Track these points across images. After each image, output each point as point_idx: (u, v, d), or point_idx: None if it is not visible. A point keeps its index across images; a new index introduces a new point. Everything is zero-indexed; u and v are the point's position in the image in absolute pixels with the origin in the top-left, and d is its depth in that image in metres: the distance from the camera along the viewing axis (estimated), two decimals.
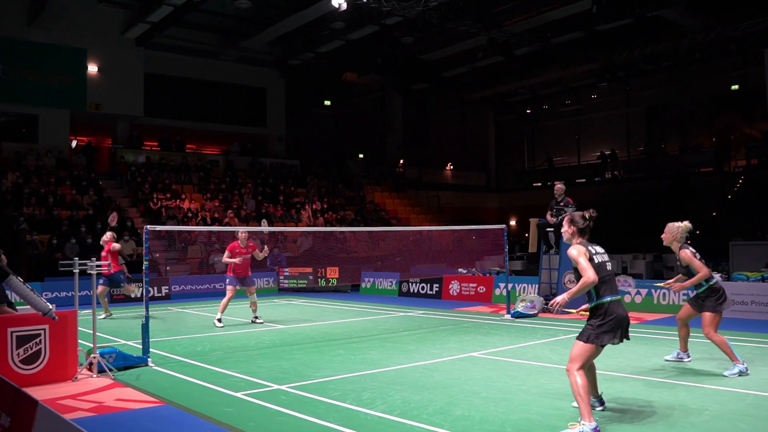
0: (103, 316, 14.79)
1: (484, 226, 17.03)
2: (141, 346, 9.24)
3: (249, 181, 28.78)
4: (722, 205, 28.39)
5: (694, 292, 8.27)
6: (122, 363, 8.70)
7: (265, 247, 13.77)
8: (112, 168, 27.30)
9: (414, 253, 18.42)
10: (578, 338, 5.84)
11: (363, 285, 21.53)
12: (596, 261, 5.81)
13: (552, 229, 14.92)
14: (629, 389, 7.19)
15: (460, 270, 19.64)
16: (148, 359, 9.05)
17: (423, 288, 19.53)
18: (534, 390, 7.20)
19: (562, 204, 14.78)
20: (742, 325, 12.17)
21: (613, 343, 5.79)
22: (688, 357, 8.79)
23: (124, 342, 11.21)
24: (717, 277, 8.35)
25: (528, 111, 40.11)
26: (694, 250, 8.13)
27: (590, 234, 6.05)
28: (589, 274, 5.63)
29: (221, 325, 13.14)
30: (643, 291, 14.57)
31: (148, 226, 9.46)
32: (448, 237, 19.34)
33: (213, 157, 30.53)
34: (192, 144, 31.23)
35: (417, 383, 7.67)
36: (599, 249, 5.97)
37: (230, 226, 22.63)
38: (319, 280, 20.79)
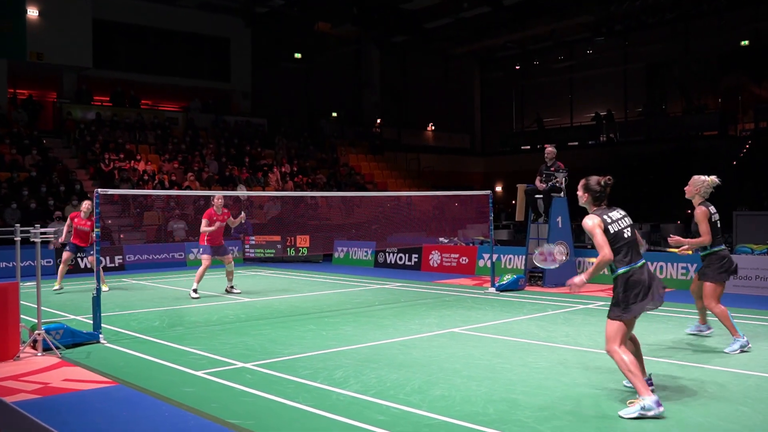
0: (57, 287, 14.67)
1: (468, 192, 17.11)
2: (92, 322, 9.18)
3: (211, 141, 28.54)
4: (727, 172, 28.68)
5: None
6: (70, 340, 8.65)
7: (242, 213, 13.95)
8: (58, 125, 26.89)
9: (391, 220, 18.46)
10: (608, 316, 5.93)
11: (336, 255, 21.56)
12: (611, 230, 5.88)
13: (541, 196, 14.98)
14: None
15: (441, 239, 19.73)
16: (100, 336, 9.01)
17: (401, 258, 19.60)
18: (519, 368, 7.28)
19: (552, 169, 14.83)
20: (745, 301, 12.37)
21: (647, 310, 5.91)
22: (709, 329, 9.08)
23: (72, 317, 11.14)
24: (723, 248, 8.50)
25: (517, 67, 40.03)
26: (713, 211, 8.30)
27: (607, 200, 6.13)
28: (605, 252, 5.73)
29: (197, 296, 13.27)
30: (656, 264, 14.71)
31: (99, 190, 9.34)
32: (429, 203, 19.39)
33: (171, 114, 30.20)
34: (148, 99, 30.84)
35: (394, 361, 7.72)
36: (617, 214, 6.03)
37: (191, 190, 22.48)
38: (289, 249, 20.79)
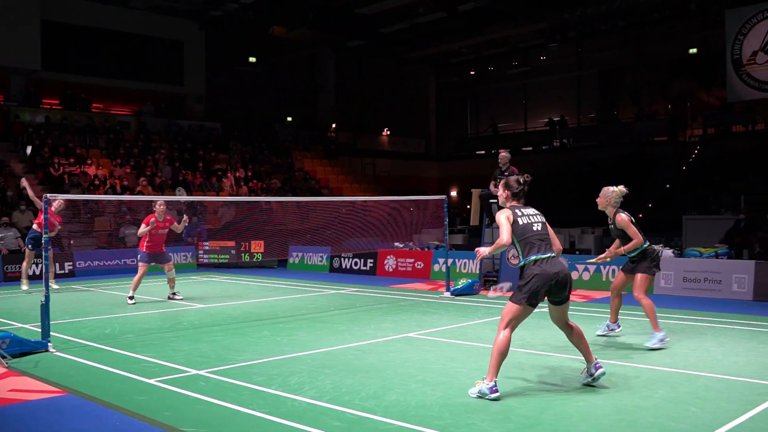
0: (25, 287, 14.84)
1: (423, 196, 17.18)
2: (40, 330, 9.01)
3: (164, 145, 28.22)
4: (677, 177, 29.29)
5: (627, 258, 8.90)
6: (18, 349, 8.47)
7: (184, 216, 13.88)
8: (5, 129, 26.26)
9: (347, 225, 18.43)
10: (509, 299, 6.48)
11: (291, 260, 21.49)
12: (520, 222, 6.39)
13: (496, 201, 15.08)
14: (573, 372, 7.39)
15: (396, 244, 19.78)
16: (49, 344, 8.84)
17: (356, 263, 19.61)
18: (474, 372, 7.33)
19: (507, 173, 14.92)
20: (694, 304, 12.66)
21: (552, 302, 6.49)
22: (619, 327, 9.42)
23: (20, 325, 10.92)
24: (663, 251, 8.88)
25: (472, 73, 40.36)
26: (629, 216, 8.71)
27: (525, 199, 6.64)
28: (503, 236, 6.31)
29: (133, 302, 13.16)
30: (591, 267, 14.98)
31: (48, 195, 9.21)
32: (384, 208, 19.40)
33: (123, 117, 29.76)
34: (99, 103, 30.33)
35: (349, 366, 7.73)
36: (529, 211, 6.53)
37: (143, 195, 22.19)
38: (243, 254, 20.64)
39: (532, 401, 6.28)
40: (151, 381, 7.18)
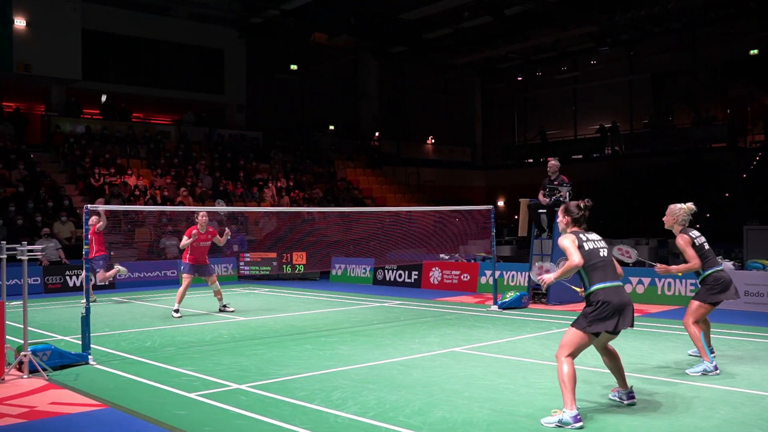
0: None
1: (469, 206, 17.07)
2: (80, 342, 9.14)
3: (205, 155, 28.56)
4: (736, 185, 28.73)
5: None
6: (58, 361, 8.62)
7: (227, 230, 13.99)
8: (46, 139, 26.92)
9: (390, 236, 18.39)
10: (571, 325, 6.28)
11: (333, 272, 21.54)
12: (586, 248, 6.28)
13: (545, 211, 14.99)
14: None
15: (441, 256, 19.69)
16: (89, 357, 8.97)
17: (400, 276, 19.58)
18: (522, 389, 7.26)
19: (556, 183, 14.84)
20: (757, 319, 12.37)
21: (607, 331, 6.18)
22: (712, 353, 8.84)
23: (60, 338, 11.12)
24: (724, 264, 8.50)
25: (519, 78, 40.14)
26: (695, 236, 8.30)
27: (586, 223, 6.53)
28: (574, 258, 6.13)
29: (178, 315, 13.30)
30: (646, 280, 14.75)
31: (89, 206, 9.34)
32: (429, 219, 19.33)
33: (163, 127, 30.23)
34: (139, 112, 30.88)
35: (393, 382, 7.70)
36: (594, 236, 6.45)
37: (184, 205, 22.46)
38: (284, 266, 20.72)
39: (584, 421, 6.18)
40: (192, 395, 7.24)
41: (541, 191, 15.00)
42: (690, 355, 9.00)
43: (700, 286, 8.36)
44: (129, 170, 25.35)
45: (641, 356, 8.98)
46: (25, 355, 8.23)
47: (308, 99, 36.14)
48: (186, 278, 13.50)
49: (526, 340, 10.33)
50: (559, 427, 5.92)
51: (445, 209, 18.53)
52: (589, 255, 6.24)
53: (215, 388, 7.52)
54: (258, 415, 6.42)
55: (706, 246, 8.34)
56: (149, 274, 20.26)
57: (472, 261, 19.07)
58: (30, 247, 8.39)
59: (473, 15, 29.91)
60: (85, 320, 9.05)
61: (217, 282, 13.98)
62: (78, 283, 18.59)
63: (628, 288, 14.58)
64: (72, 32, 26.77)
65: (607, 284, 6.20)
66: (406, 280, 19.42)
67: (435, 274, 18.79)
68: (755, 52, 31.65)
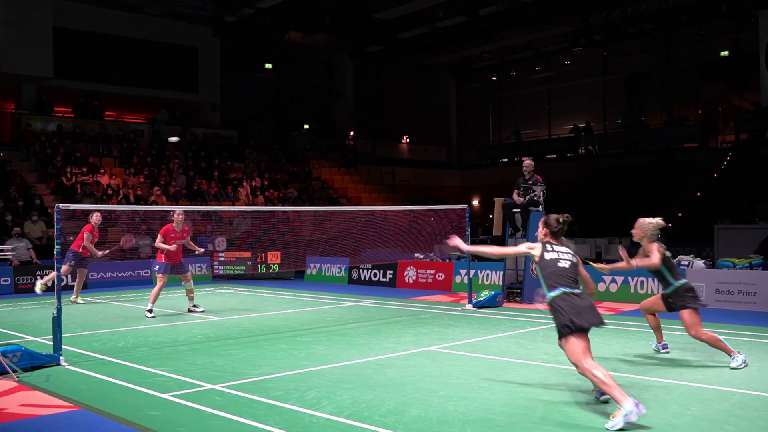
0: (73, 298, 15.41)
1: (444, 206, 17.12)
2: (52, 343, 9.05)
3: (179, 154, 28.39)
4: (708, 185, 29.07)
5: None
6: (29, 363, 8.52)
7: (200, 250, 14.18)
8: (17, 137, 26.58)
9: (365, 236, 18.41)
10: (560, 340, 6.50)
11: (308, 271, 21.51)
12: (546, 257, 6.68)
13: (519, 210, 15.07)
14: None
15: (416, 255, 19.73)
16: (61, 358, 8.89)
17: (375, 275, 19.59)
18: (497, 387, 7.30)
19: (530, 182, 14.93)
20: (728, 317, 12.51)
21: (585, 326, 6.39)
22: (665, 348, 9.21)
23: (31, 338, 11.00)
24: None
25: (494, 78, 40.28)
26: (665, 248, 8.46)
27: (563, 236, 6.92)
28: (506, 252, 7.17)
29: (152, 315, 13.21)
30: (619, 279, 14.86)
31: (60, 205, 9.25)
32: (404, 218, 19.37)
33: (137, 126, 29.99)
34: (112, 111, 30.58)
35: (368, 381, 7.70)
36: (563, 249, 6.77)
37: (157, 204, 22.31)
38: (259, 266, 20.67)
39: (557, 419, 6.22)
40: (165, 396, 7.19)
41: (516, 190, 15.08)
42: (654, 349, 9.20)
43: (672, 300, 8.45)
44: (101, 169, 25.13)
45: (613, 354, 9.05)
46: None
47: (283, 98, 36.04)
48: (161, 278, 13.40)
49: (501, 339, 10.38)
50: (627, 420, 5.78)
51: (420, 208, 18.57)
52: (547, 264, 6.63)
53: (189, 389, 7.47)
54: (232, 416, 6.39)
55: (672, 260, 8.57)
56: (122, 274, 20.10)
57: (447, 260, 19.11)
58: (0, 247, 8.29)
59: (448, 15, 29.95)
60: (57, 321, 8.96)
61: (191, 281, 13.89)
62: (49, 284, 18.36)
63: (601, 286, 14.74)
64: (43, 29, 26.46)
65: (562, 291, 6.49)
66: (381, 279, 19.43)
67: (410, 274, 18.82)
68: (726, 53, 32.02)
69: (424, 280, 18.40)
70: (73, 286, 16.40)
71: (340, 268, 20.60)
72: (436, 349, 9.62)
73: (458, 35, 33.39)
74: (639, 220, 8.61)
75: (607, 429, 5.86)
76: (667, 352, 9.10)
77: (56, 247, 9.32)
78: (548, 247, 6.73)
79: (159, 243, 13.30)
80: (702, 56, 32.74)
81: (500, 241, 16.46)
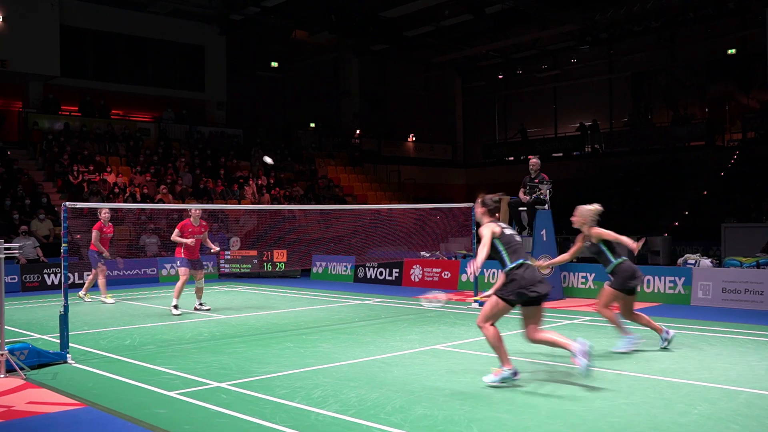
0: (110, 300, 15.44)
1: (450, 204, 17.11)
2: (59, 341, 9.09)
3: (185, 152, 28.41)
4: (714, 183, 28.97)
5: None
6: (36, 360, 8.55)
7: (216, 249, 14.12)
8: (24, 136, 26.65)
9: (371, 234, 18.42)
10: (494, 293, 7.42)
11: (314, 270, 21.51)
12: (506, 233, 7.57)
13: (525, 209, 15.05)
14: (609, 385, 7.32)
15: (422, 253, 19.73)
16: (67, 355, 8.91)
17: (381, 273, 19.59)
18: (504, 386, 7.29)
19: (536, 180, 14.90)
20: (734, 316, 12.48)
21: (522, 301, 7.26)
22: (640, 339, 9.43)
23: (38, 336, 11.03)
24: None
25: (500, 76, 40.24)
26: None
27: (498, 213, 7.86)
28: (486, 251, 7.39)
29: (178, 312, 13.29)
30: None
31: (67, 203, 9.27)
32: (410, 217, 19.37)
33: (143, 124, 30.04)
34: (118, 109, 30.67)
35: (374, 379, 7.71)
36: (506, 225, 7.72)
37: (163, 203, 22.35)
38: (265, 264, 20.70)
39: (564, 417, 6.21)
40: (172, 394, 7.20)
41: (522, 189, 15.06)
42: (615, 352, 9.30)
43: (611, 276, 9.11)
44: (108, 167, 25.18)
45: (620, 353, 9.03)
46: (1, 354, 8.15)
47: (289, 96, 36.06)
48: (183, 273, 13.43)
49: (506, 338, 10.30)
50: (503, 380, 7.21)
51: (425, 207, 18.57)
52: (508, 241, 7.47)
53: (195, 387, 7.49)
54: (239, 414, 6.40)
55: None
56: (128, 272, 20.12)
57: (453, 258, 19.10)
58: (7, 245, 8.32)
59: (454, 13, 29.93)
60: (64, 319, 8.99)
61: (203, 279, 13.92)
62: (56, 282, 18.45)
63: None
64: (50, 28, 26.53)
65: (520, 261, 7.36)
66: (387, 277, 19.42)
67: (416, 272, 18.81)
68: (733, 51, 31.91)
69: (430, 279, 18.40)
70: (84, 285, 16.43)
71: (346, 266, 20.61)
72: (442, 348, 9.61)
73: (464, 33, 33.33)
74: (579, 208, 9.16)
75: (485, 381, 7.27)
76: (643, 341, 9.37)
77: (63, 245, 9.34)
78: (501, 225, 7.60)
79: (176, 237, 13.33)
80: (709, 54, 32.64)
81: None
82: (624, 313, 9.25)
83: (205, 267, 14.17)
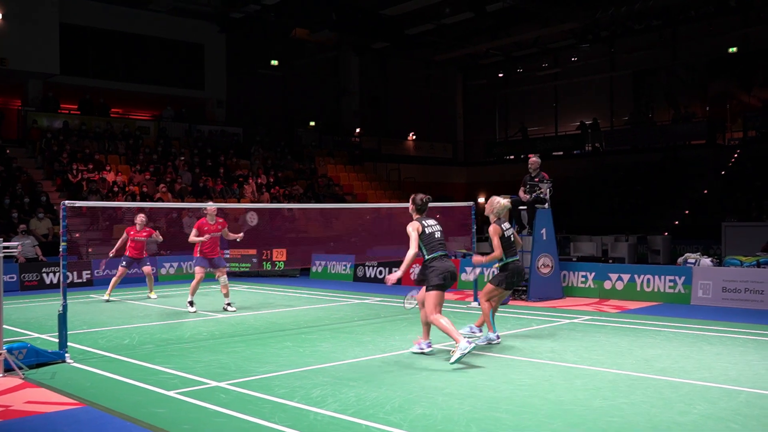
0: (106, 297, 15.63)
1: (450, 203, 17.11)
2: (57, 340, 9.09)
3: (184, 150, 28.42)
4: (715, 182, 28.99)
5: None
6: (34, 360, 8.55)
7: (242, 234, 14.31)
8: (23, 134, 26.65)
9: (371, 233, 18.46)
10: (426, 290, 8.57)
11: (314, 269, 21.50)
12: (427, 231, 8.69)
13: (525, 208, 15.05)
14: (609, 384, 7.32)
15: None
16: (66, 355, 8.91)
17: (381, 272, 19.59)
18: (503, 386, 7.29)
19: (537, 179, 14.89)
20: (735, 315, 12.48)
21: (443, 287, 8.46)
22: (497, 337, 9.83)
23: (37, 335, 11.03)
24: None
25: (500, 75, 40.28)
26: (506, 228, 9.72)
27: (428, 211, 8.97)
28: (414, 248, 8.55)
29: (193, 309, 13.42)
30: (625, 277, 14.83)
31: (66, 202, 9.28)
32: (410, 215, 19.42)
33: (142, 123, 30.03)
34: (118, 108, 30.66)
35: (373, 378, 7.71)
36: (432, 221, 8.86)
37: (163, 202, 22.35)
38: (265, 263, 20.70)
39: (563, 417, 6.21)
40: (170, 393, 7.20)
41: (522, 188, 15.05)
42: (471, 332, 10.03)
43: (498, 271, 9.76)
44: (107, 166, 25.18)
45: (620, 352, 9.04)
46: (0, 354, 8.15)
47: (289, 95, 36.05)
48: (199, 272, 13.53)
49: (506, 337, 10.36)
50: (463, 353, 8.07)
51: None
52: (429, 237, 8.64)
53: (194, 386, 7.49)
54: (237, 413, 6.40)
55: (512, 239, 9.80)
56: (128, 271, 20.06)
57: (453, 257, 19.09)
58: (6, 244, 8.32)
59: (455, 11, 29.94)
60: (62, 318, 8.99)
61: (226, 276, 13.83)
62: (55, 281, 18.45)
63: (607, 284, 14.75)
64: (49, 26, 26.51)
65: (437, 254, 8.59)
66: (387, 276, 19.39)
67: (416, 271, 18.78)
68: (734, 50, 31.92)
69: None
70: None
71: (345, 265, 20.60)
72: (441, 347, 9.61)
73: (465, 32, 33.36)
74: (492, 198, 9.97)
75: (450, 363, 8.09)
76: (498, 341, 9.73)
77: (62, 244, 9.33)
78: (424, 223, 8.73)
79: (193, 237, 13.43)
80: (710, 52, 32.67)
81: None
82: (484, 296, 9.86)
83: (226, 265, 14.11)
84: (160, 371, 8.26)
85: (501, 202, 9.87)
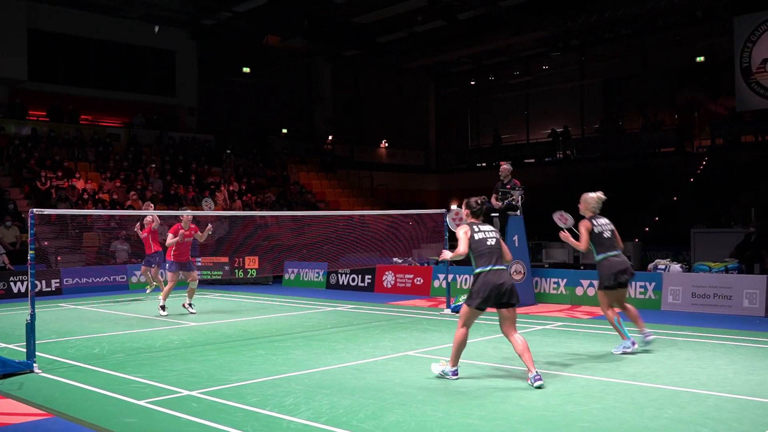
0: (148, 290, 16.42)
1: (423, 210, 17.16)
2: (25, 350, 8.97)
3: (155, 158, 28.22)
4: (684, 189, 29.31)
5: None
6: (1, 370, 8.43)
7: (209, 225, 14.53)
8: None
9: (344, 240, 18.40)
10: (464, 302, 7.95)
11: (286, 276, 21.44)
12: (476, 237, 7.87)
13: (497, 215, 15.13)
14: (581, 390, 7.37)
15: (395, 259, 19.76)
16: (34, 365, 8.79)
17: (354, 280, 19.57)
18: (476, 392, 7.31)
19: (508, 186, 15.00)
20: (703, 320, 12.62)
21: (482, 308, 7.74)
22: (633, 344, 9.42)
23: (4, 345, 10.88)
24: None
25: (472, 82, 40.45)
26: (476, 230, 8.98)
27: (484, 216, 8.23)
28: (460, 248, 7.79)
29: (165, 313, 13.77)
30: (597, 283, 14.90)
31: (35, 210, 9.18)
32: (382, 223, 19.40)
33: (113, 130, 29.75)
34: (87, 114, 30.34)
35: (346, 386, 7.69)
36: (486, 228, 8.04)
37: (133, 209, 22.16)
38: (236, 270, 20.60)
39: (536, 423, 6.24)
40: (141, 402, 7.13)
41: (494, 195, 15.14)
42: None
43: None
44: (77, 173, 24.93)
45: (592, 358, 9.10)
46: None
47: (261, 102, 35.94)
48: (171, 277, 13.95)
49: (479, 343, 10.40)
50: (442, 375, 7.86)
51: (398, 213, 18.60)
52: (478, 243, 7.80)
53: (166, 395, 7.43)
54: (210, 422, 6.36)
55: (605, 234, 9.64)
56: (97, 279, 19.95)
57: (426, 264, 19.14)
58: None
59: (426, 19, 30.02)
60: (30, 327, 8.87)
61: (197, 281, 14.40)
62: (23, 290, 18.20)
63: (579, 291, 14.85)
64: (17, 32, 26.18)
65: (487, 268, 7.75)
66: (360, 284, 19.41)
67: (388, 278, 18.82)
68: (702, 59, 32.36)
69: (403, 285, 18.41)
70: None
71: (318, 272, 20.56)
72: (414, 354, 9.62)
73: (436, 39, 33.48)
74: (583, 195, 9.86)
75: (432, 370, 7.98)
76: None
77: (30, 252, 9.21)
78: (475, 228, 7.92)
79: (170, 240, 13.82)
80: (678, 61, 33.09)
81: None
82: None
83: (195, 270, 14.47)
84: (130, 380, 8.18)
85: (592, 196, 9.74)
